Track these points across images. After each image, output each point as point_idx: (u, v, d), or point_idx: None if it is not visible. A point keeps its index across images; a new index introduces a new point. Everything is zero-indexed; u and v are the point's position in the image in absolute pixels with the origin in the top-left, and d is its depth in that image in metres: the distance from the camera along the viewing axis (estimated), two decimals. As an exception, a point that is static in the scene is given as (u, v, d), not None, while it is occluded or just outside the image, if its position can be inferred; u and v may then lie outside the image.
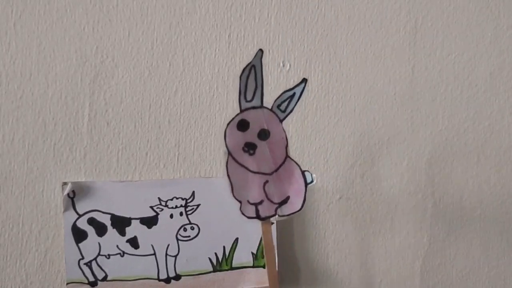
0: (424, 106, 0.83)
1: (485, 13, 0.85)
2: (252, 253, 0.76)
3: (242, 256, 0.76)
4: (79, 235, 0.73)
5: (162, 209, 0.75)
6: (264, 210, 0.65)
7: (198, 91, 0.79)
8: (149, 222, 0.75)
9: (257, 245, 0.76)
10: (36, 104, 0.75)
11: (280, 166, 0.65)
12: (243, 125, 0.63)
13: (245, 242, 0.76)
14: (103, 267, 0.74)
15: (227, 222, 0.76)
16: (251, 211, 0.65)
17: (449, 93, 0.84)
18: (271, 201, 0.65)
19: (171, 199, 0.75)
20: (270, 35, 0.80)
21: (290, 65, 0.81)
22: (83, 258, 0.73)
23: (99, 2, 0.77)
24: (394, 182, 0.82)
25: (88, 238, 0.74)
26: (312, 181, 0.65)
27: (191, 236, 0.76)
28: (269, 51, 0.80)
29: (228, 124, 0.63)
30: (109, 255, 0.74)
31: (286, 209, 0.65)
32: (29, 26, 0.76)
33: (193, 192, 0.76)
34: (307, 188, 0.65)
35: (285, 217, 0.65)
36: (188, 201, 0.76)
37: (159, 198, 0.75)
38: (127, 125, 0.77)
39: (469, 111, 0.84)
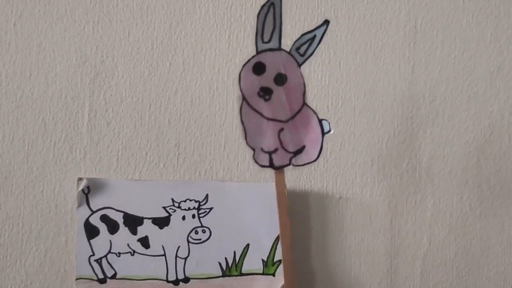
0: (424, 106, 0.83)
1: (485, 13, 0.85)
2: (263, 260, 0.76)
3: (252, 262, 0.76)
4: (91, 231, 0.73)
5: (175, 210, 0.75)
6: (278, 159, 0.62)
7: (198, 91, 0.79)
8: (161, 222, 0.75)
9: (268, 252, 0.76)
10: (36, 104, 0.75)
11: (297, 113, 0.61)
12: (259, 68, 0.60)
13: (256, 248, 0.76)
14: (113, 265, 0.74)
15: (239, 228, 0.75)
16: (264, 159, 0.62)
17: (449, 93, 0.84)
18: (286, 150, 0.61)
19: (184, 201, 0.75)
20: (270, 35, 0.80)
21: (290, 65, 0.81)
22: (93, 254, 0.73)
23: (99, 2, 0.77)
24: (393, 182, 0.82)
25: (100, 235, 0.74)
26: (329, 131, 0.62)
27: (202, 239, 0.75)
28: (269, 51, 0.80)
29: (243, 66, 0.60)
30: (119, 253, 0.74)
31: (301, 159, 0.62)
32: (29, 26, 0.76)
33: (207, 195, 0.75)
34: (324, 138, 0.62)
35: (299, 167, 0.63)
36: (201, 203, 0.75)
37: (172, 199, 0.75)
38: (127, 125, 0.77)
39: (469, 111, 0.84)
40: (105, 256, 0.74)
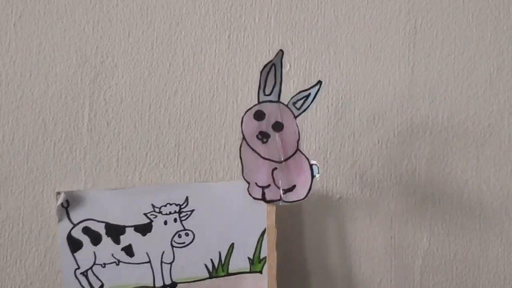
0: (424, 106, 0.83)
1: (485, 13, 0.85)
2: (249, 258, 0.76)
3: (239, 261, 0.75)
4: (74, 245, 0.73)
5: (156, 216, 0.74)
6: (270, 194, 0.69)
7: (198, 91, 0.79)
8: (143, 229, 0.74)
9: (254, 250, 0.76)
10: (36, 104, 0.75)
11: (290, 157, 0.68)
12: (259, 115, 0.67)
13: (241, 247, 0.75)
14: (99, 276, 0.73)
15: (222, 227, 0.75)
16: (258, 193, 0.69)
17: (449, 93, 0.84)
18: (278, 187, 0.68)
19: (165, 205, 0.74)
20: (270, 35, 0.80)
21: (290, 65, 0.81)
22: (79, 267, 0.73)
23: (99, 2, 0.77)
24: (393, 182, 0.82)
25: (83, 247, 0.73)
26: (317, 174, 0.68)
27: (186, 243, 0.75)
28: (269, 51, 0.80)
29: (246, 112, 0.67)
30: (104, 264, 0.73)
31: (291, 196, 0.69)
32: (29, 26, 0.76)
33: (187, 198, 0.75)
34: (313, 181, 0.68)
35: (289, 203, 0.69)
36: (182, 207, 0.75)
37: (152, 204, 0.74)
38: (127, 125, 0.77)
39: (469, 111, 0.84)
40: (91, 268, 0.73)
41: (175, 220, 0.75)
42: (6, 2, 0.75)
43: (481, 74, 0.85)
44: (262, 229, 0.75)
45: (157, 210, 0.74)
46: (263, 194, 0.69)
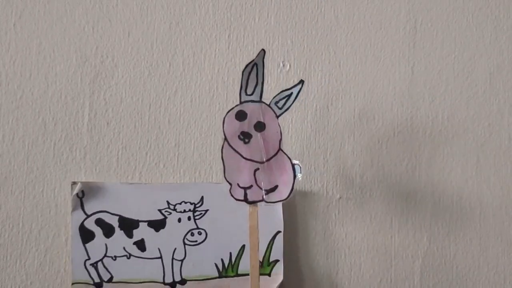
0: (424, 106, 0.83)
1: (485, 13, 0.85)
2: (258, 261, 0.76)
3: (248, 263, 0.76)
4: (86, 236, 0.73)
5: (170, 213, 0.75)
6: (252, 195, 0.68)
7: (198, 91, 0.79)
8: (157, 225, 0.75)
9: (263, 253, 0.76)
10: (36, 104, 0.75)
11: (272, 157, 0.67)
12: (241, 116, 0.67)
13: None
14: (109, 269, 0.74)
15: (234, 229, 0.76)
16: (240, 194, 0.68)
17: (449, 93, 0.84)
18: (260, 187, 0.67)
19: (180, 203, 0.75)
20: (270, 35, 0.80)
21: (290, 65, 0.81)
22: (89, 258, 0.73)
23: (99, 2, 0.77)
24: (393, 182, 0.82)
25: (95, 238, 0.73)
26: (297, 175, 0.68)
27: (198, 241, 0.76)
28: (269, 51, 0.80)
29: (227, 113, 0.67)
30: (115, 256, 0.74)
31: (274, 197, 0.68)
32: (29, 26, 0.76)
33: (202, 197, 0.76)
34: (295, 181, 0.67)
35: (271, 204, 0.68)
36: (197, 206, 0.76)
37: (167, 201, 0.75)
38: (127, 125, 0.77)
39: (469, 111, 0.84)
40: (101, 260, 0.74)
41: (189, 218, 0.75)
42: (6, 2, 0.75)
43: (481, 74, 0.85)
44: (274, 233, 0.76)
45: (171, 207, 0.75)
46: (245, 195, 0.68)
